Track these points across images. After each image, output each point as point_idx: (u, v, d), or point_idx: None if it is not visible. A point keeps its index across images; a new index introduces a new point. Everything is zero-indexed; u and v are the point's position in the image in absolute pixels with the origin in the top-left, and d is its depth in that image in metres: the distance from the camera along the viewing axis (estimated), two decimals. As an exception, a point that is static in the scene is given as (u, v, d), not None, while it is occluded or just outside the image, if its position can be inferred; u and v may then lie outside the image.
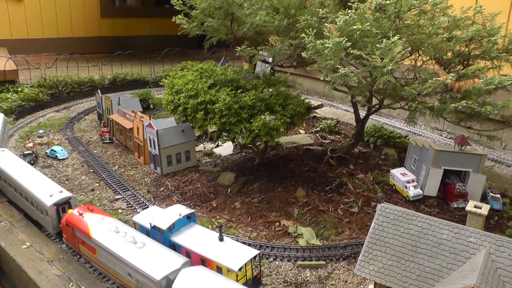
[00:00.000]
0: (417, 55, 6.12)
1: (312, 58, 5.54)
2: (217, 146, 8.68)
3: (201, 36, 21.62)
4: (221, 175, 7.24)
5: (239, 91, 6.46)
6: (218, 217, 6.24)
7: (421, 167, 6.96)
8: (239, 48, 6.02)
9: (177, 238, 4.78)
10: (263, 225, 6.11)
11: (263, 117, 6.10)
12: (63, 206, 5.68)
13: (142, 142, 7.87)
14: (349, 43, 4.87)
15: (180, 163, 7.60)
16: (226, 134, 6.36)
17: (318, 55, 5.24)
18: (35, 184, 6.06)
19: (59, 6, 18.13)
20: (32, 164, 7.82)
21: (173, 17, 6.76)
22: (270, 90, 7.14)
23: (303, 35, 5.32)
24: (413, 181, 6.81)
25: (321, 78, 5.45)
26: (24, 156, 7.91)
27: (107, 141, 9.08)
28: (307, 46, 5.22)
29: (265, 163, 7.60)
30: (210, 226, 5.94)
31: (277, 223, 6.13)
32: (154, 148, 7.42)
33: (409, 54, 6.02)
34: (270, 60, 7.87)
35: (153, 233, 4.91)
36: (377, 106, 7.01)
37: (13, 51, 15.62)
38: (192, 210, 5.01)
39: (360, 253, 4.19)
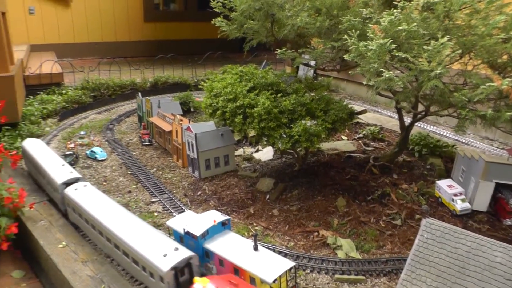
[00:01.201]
0: (468, 58, 5.76)
1: (354, 61, 5.29)
2: (257, 150, 8.51)
3: (242, 39, 21.64)
4: (260, 180, 7.05)
5: (279, 95, 6.27)
6: (255, 224, 6.05)
7: (470, 179, 6.53)
8: (279, 50, 5.82)
9: (210, 245, 4.61)
10: (301, 234, 5.87)
11: (303, 122, 5.89)
12: (182, 269, 4.33)
13: (181, 145, 7.79)
14: (394, 45, 4.58)
15: (218, 167, 7.47)
16: (266, 139, 6.17)
17: (361, 58, 4.98)
18: (139, 236, 4.67)
19: (103, 11, 18.52)
20: (72, 165, 7.89)
21: (213, 19, 6.63)
22: (312, 94, 6.93)
23: (345, 36, 5.07)
24: (460, 194, 6.40)
25: (364, 83, 5.18)
26: (65, 157, 7.98)
27: (147, 144, 9.07)
28: (350, 48, 4.97)
29: (306, 169, 7.36)
30: (246, 234, 5.76)
31: (316, 233, 5.87)
32: (193, 151, 7.32)
33: (458, 57, 5.65)
34: (312, 63, 7.63)
35: (187, 238, 4.76)
36: (423, 113, 6.66)
37: (60, 55, 16.01)
38: (228, 217, 4.84)
39: (402, 270, 3.88)
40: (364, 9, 5.19)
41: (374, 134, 9.20)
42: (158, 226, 5.94)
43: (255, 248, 4.47)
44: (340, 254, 5.47)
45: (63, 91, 11.52)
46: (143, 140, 9.12)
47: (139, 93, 10.16)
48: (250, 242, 4.59)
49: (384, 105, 12.16)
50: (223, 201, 6.63)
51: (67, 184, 5.90)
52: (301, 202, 6.54)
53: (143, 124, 9.67)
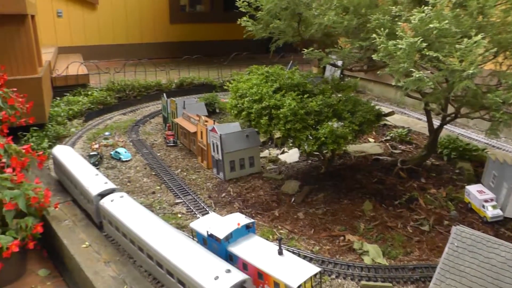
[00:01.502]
0: (503, 57, 5.53)
1: (383, 61, 5.14)
2: (283, 152, 8.40)
3: (268, 40, 21.53)
4: (285, 183, 6.93)
5: (306, 96, 6.15)
6: (279, 227, 5.93)
7: (502, 185, 6.27)
8: (306, 50, 5.70)
9: (234, 249, 4.51)
10: (326, 238, 5.73)
11: (330, 124, 5.75)
12: None
13: (206, 146, 7.73)
14: (425, 44, 4.41)
15: (243, 169, 7.37)
16: (291, 141, 6.06)
17: (390, 57, 4.82)
18: (184, 254, 4.36)
19: (129, 13, 18.65)
20: (96, 165, 7.91)
21: (238, 19, 6.55)
22: (339, 95, 6.79)
23: (374, 35, 4.92)
24: (491, 200, 6.14)
25: (393, 83, 5.01)
26: (89, 157, 8.01)
27: (171, 144, 9.05)
28: (378, 47, 4.82)
29: (332, 172, 7.21)
30: (270, 237, 5.65)
31: (342, 238, 5.72)
32: (217, 153, 7.25)
33: (492, 57, 5.43)
34: (339, 63, 7.49)
35: (210, 241, 4.68)
36: (453, 115, 6.45)
37: (87, 57, 16.16)
38: (252, 220, 4.73)
39: (430, 278, 3.72)
40: (393, 7, 5.02)
41: (401, 136, 8.99)
42: (181, 227, 5.88)
43: (280, 253, 4.35)
44: (367, 260, 5.31)
45: (89, 92, 11.61)
46: (167, 141, 9.10)
47: (164, 94, 10.16)
48: (274, 246, 4.48)
49: (412, 107, 11.89)
50: (247, 203, 6.53)
51: (102, 195, 5.66)
52: (327, 205, 6.40)
53: (168, 125, 9.65)
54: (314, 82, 7.37)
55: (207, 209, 6.34)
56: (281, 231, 5.84)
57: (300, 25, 6.15)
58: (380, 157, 7.75)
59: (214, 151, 7.38)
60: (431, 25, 4.38)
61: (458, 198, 6.62)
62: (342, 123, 6.04)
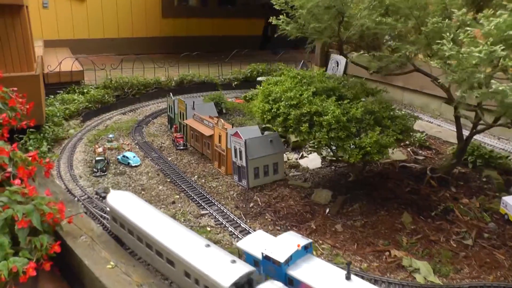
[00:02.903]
0: None
1: (442, 67, 4.81)
2: (302, 157, 8.00)
3: (263, 37, 21.25)
4: (316, 192, 6.53)
5: (346, 101, 5.76)
6: (320, 241, 5.53)
7: (536, 195, 6.08)
8: (355, 53, 5.30)
9: (295, 272, 4.09)
10: (372, 254, 5.37)
11: (375, 133, 5.38)
12: None
13: (225, 151, 7.26)
14: (504, 52, 4.07)
15: (267, 176, 6.94)
16: (334, 149, 5.65)
17: (458, 66, 4.48)
18: None
19: (120, 6, 17.87)
20: (104, 172, 7.36)
21: (270, 17, 6.10)
22: (370, 99, 6.44)
23: (438, 43, 4.56)
24: (531, 212, 5.94)
25: (458, 94, 4.65)
26: (96, 163, 7.45)
27: (181, 148, 8.52)
28: (446, 54, 4.45)
29: (361, 180, 6.86)
30: (314, 253, 5.25)
31: (387, 253, 5.36)
32: (240, 159, 6.80)
33: None
34: (342, 62, 7.12)
35: (265, 263, 4.25)
36: (490, 124, 6.15)
37: (75, 51, 15.38)
38: (310, 240, 4.32)
39: None
40: (456, 10, 4.66)
41: (420, 141, 8.71)
42: (215, 242, 5.40)
43: (348, 277, 3.97)
44: (419, 279, 4.97)
45: (84, 90, 10.95)
46: (177, 144, 8.58)
47: (170, 93, 9.62)
48: (338, 269, 4.10)
49: (420, 109, 11.65)
50: (279, 214, 6.11)
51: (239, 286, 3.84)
52: (364, 217, 6.04)
53: (175, 126, 9.13)
54: (346, 85, 7.05)
55: (237, 221, 5.90)
56: (323, 246, 5.45)
57: (341, 25, 5.74)
58: (408, 165, 7.44)
59: (236, 157, 6.93)
60: (510, 32, 4.03)
61: (492, 208, 6.37)
62: (384, 132, 5.67)
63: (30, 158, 5.61)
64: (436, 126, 10.12)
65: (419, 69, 6.17)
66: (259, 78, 12.29)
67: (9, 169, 5.30)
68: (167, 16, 18.94)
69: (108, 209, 5.34)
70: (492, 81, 3.98)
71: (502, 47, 3.97)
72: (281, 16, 5.97)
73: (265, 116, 6.08)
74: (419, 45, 5.26)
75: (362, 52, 5.38)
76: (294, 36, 6.11)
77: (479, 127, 6.49)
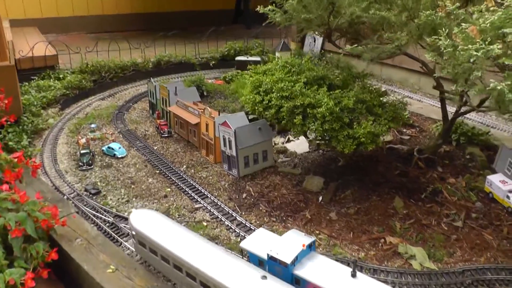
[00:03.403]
0: None
1: (436, 60, 4.85)
2: (289, 140, 8.00)
3: (236, 11, 20.83)
4: (307, 179, 6.58)
5: (337, 91, 5.75)
6: (317, 231, 5.61)
7: (520, 172, 6.28)
8: (348, 47, 5.27)
9: (301, 272, 4.15)
10: (368, 242, 5.48)
11: (370, 124, 5.41)
12: None
13: (213, 140, 7.20)
14: (501, 51, 4.09)
15: (257, 163, 6.94)
16: (327, 140, 5.66)
17: (453, 60, 4.50)
18: None
19: (89, -17, 17.21)
20: (90, 165, 7.22)
21: (258, 7, 5.98)
22: (359, 86, 6.45)
23: (433, 37, 4.57)
24: (516, 190, 6.14)
25: (459, 88, 4.68)
26: (81, 156, 7.29)
27: (166, 135, 8.41)
28: (441, 50, 4.46)
29: (351, 164, 6.93)
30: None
31: (383, 240, 5.49)
32: (230, 148, 6.76)
33: None
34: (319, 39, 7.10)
35: (270, 263, 4.29)
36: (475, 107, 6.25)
37: (44, 30, 14.83)
38: (314, 238, 4.38)
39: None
40: (449, 3, 4.66)
41: (404, 120, 8.78)
42: (212, 239, 5.43)
43: (353, 275, 4.05)
44: (415, 265, 5.12)
45: (60, 75, 10.60)
46: (161, 131, 8.46)
47: (151, 78, 9.41)
48: (343, 267, 4.18)
49: (399, 83, 11.74)
50: (273, 205, 6.15)
51: None
52: (356, 203, 6.14)
53: (157, 112, 8.98)
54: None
55: (233, 214, 5.91)
56: (320, 236, 5.53)
57: (331, 15, 5.68)
58: (395, 146, 7.53)
59: (225, 146, 6.89)
60: (505, 30, 4.06)
61: (478, 187, 6.57)
62: (376, 120, 5.71)
63: (16, 160, 5.44)
64: (417, 101, 10.24)
65: (408, 53, 6.19)
66: (237, 58, 12.14)
67: (-5, 173, 5.14)
68: (138, -9, 18.33)
69: (133, 232, 4.76)
70: (491, 80, 4.02)
71: (498, 46, 4.00)
72: (269, 6, 5.86)
73: (256, 108, 6.03)
74: (411, 35, 5.24)
75: (356, 45, 5.32)
76: (283, 25, 6.01)
77: (464, 109, 6.59)
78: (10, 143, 7.45)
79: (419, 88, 11.10)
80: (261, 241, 4.51)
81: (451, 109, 7.14)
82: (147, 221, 4.65)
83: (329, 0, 5.35)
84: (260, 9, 5.93)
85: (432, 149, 7.12)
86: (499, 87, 3.87)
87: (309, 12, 5.55)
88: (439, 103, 7.11)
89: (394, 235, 5.58)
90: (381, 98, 6.05)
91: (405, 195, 6.28)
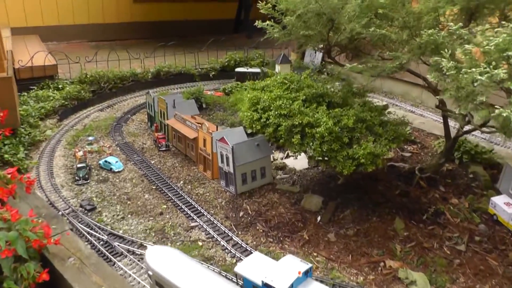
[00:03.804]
0: None
1: (439, 82, 4.73)
2: (287, 156, 7.88)
3: (236, 20, 20.74)
4: (305, 198, 6.46)
5: (336, 109, 5.63)
6: (315, 254, 5.47)
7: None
8: (348, 65, 5.15)
9: (297, 301, 4.05)
10: (367, 265, 5.35)
11: (370, 144, 5.28)
12: None
13: (210, 155, 7.09)
14: (506, 75, 3.97)
15: (255, 180, 6.83)
16: (326, 160, 5.53)
17: (456, 83, 4.38)
18: None
19: (90, -9, 17.16)
20: (86, 179, 7.10)
21: (256, 21, 5.88)
22: (359, 102, 6.33)
23: (436, 58, 4.46)
24: (522, 213, 5.99)
25: (457, 111, 4.58)
26: (77, 170, 7.18)
27: (164, 149, 8.30)
28: (445, 72, 4.34)
29: (350, 183, 6.80)
30: (309, 267, 5.20)
31: (382, 264, 5.36)
32: (227, 165, 6.65)
33: None
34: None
35: (265, 290, 4.17)
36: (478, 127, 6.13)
37: (45, 38, 14.82)
38: (310, 265, 4.25)
39: None
40: (452, 23, 4.54)
41: (406, 136, 8.65)
42: (207, 259, 5.30)
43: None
44: (416, 292, 5.01)
45: (59, 86, 10.51)
46: (159, 144, 8.35)
47: (149, 91, 9.33)
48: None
49: (401, 96, 11.63)
50: (271, 224, 6.02)
51: None
52: (356, 224, 6.00)
53: (155, 125, 8.88)
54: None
55: (229, 233, 5.79)
56: (318, 258, 5.40)
57: (330, 31, 5.57)
58: (395, 164, 7.39)
59: (222, 162, 6.78)
60: (510, 53, 3.93)
61: (481, 208, 6.42)
62: (376, 140, 5.58)
63: (9, 176, 5.32)
64: (419, 116, 10.10)
65: (410, 69, 6.07)
66: (237, 69, 12.04)
67: (-12, 190, 5.03)
68: (139, 1, 18.24)
69: (149, 272, 4.40)
70: (496, 106, 3.90)
71: (504, 71, 3.88)
72: (267, 22, 5.75)
73: (254, 125, 5.92)
74: (412, 53, 5.13)
75: (355, 64, 5.20)
76: (281, 41, 5.90)
77: (467, 127, 6.46)
78: (6, 155, 7.35)
79: (421, 102, 10.97)
80: (256, 266, 4.39)
81: (454, 124, 7.00)
82: (165, 260, 4.29)
83: (328, 16, 5.22)
84: (258, 23, 5.83)
85: (434, 168, 6.98)
86: (504, 114, 3.75)
87: (309, 28, 5.44)
88: (442, 118, 6.98)
89: (394, 258, 5.44)
90: (381, 117, 5.91)
91: (406, 216, 6.15)
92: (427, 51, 5.02)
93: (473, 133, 8.99)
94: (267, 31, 5.89)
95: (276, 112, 5.65)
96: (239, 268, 4.48)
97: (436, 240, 5.77)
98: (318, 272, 5.15)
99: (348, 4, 5.23)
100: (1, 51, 8.01)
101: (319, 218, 6.11)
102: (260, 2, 5.69)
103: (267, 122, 5.72)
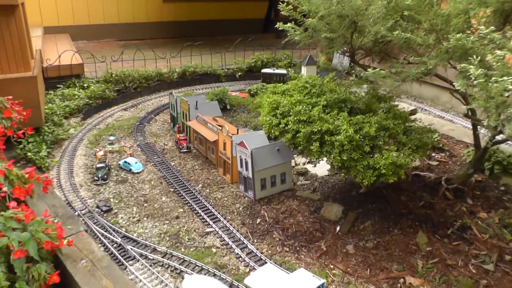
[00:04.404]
0: None
1: (466, 90, 4.46)
2: (310, 161, 7.65)
3: (266, 19, 20.61)
4: (325, 206, 6.25)
5: (358, 116, 5.41)
6: (331, 266, 5.25)
7: None
8: (370, 71, 4.92)
9: (307, 318, 3.87)
10: (386, 281, 5.09)
11: (392, 154, 5.04)
12: None
13: (230, 159, 6.96)
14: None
15: (274, 186, 6.65)
16: (346, 169, 5.32)
17: (485, 92, 4.11)
18: None
19: (120, -9, 17.36)
20: (105, 180, 7.07)
21: (277, 23, 5.71)
22: (382, 109, 6.07)
23: (463, 64, 4.19)
24: (559, 231, 5.64)
25: (485, 123, 4.31)
26: (97, 170, 7.16)
27: (185, 150, 8.22)
28: (473, 80, 4.07)
29: (372, 192, 6.55)
30: (325, 280, 4.99)
31: (402, 280, 5.09)
32: (246, 169, 6.50)
33: None
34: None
35: (274, 306, 4.01)
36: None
37: (75, 37, 15.01)
38: (323, 281, 4.07)
39: None
40: (483, 27, 4.27)
41: (433, 143, 8.32)
42: (220, 267, 5.15)
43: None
44: (437, 312, 4.75)
45: (85, 84, 10.58)
46: (180, 146, 8.26)
47: (172, 92, 9.26)
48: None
49: (430, 101, 11.24)
50: (288, 233, 5.84)
51: None
52: (376, 236, 5.76)
53: (178, 126, 8.81)
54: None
55: (244, 241, 5.63)
56: (334, 271, 5.18)
57: (354, 34, 5.35)
58: (421, 173, 7.10)
59: (241, 167, 6.63)
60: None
61: (513, 224, 6.10)
62: (398, 149, 5.33)
63: (27, 175, 5.31)
64: (448, 122, 9.72)
65: (438, 74, 5.80)
66: (263, 70, 11.88)
67: (4, 189, 5.01)
68: (169, 0, 18.30)
69: None
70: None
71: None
72: (289, 24, 5.58)
73: (272, 131, 5.75)
74: (440, 58, 4.87)
75: (378, 69, 4.97)
76: (302, 44, 5.72)
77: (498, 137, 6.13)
78: (29, 154, 7.40)
79: (451, 107, 10.57)
80: (267, 279, 4.23)
81: (486, 131, 6.67)
82: None
83: (351, 18, 5.00)
84: (279, 25, 5.66)
85: (462, 179, 6.65)
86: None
87: (331, 30, 5.24)
88: (472, 126, 6.66)
89: (415, 275, 5.17)
90: (406, 124, 5.65)
91: (430, 230, 5.86)
92: (455, 56, 4.76)
93: (506, 142, 8.65)
94: (288, 33, 5.72)
95: (295, 118, 5.47)
96: (250, 281, 4.33)
97: (461, 257, 5.46)
98: (333, 286, 4.94)
99: (372, 5, 5.02)
100: (28, 53, 8.07)
101: (338, 228, 5.89)
102: (280, 3, 5.52)
103: (286, 128, 5.54)
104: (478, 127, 6.45)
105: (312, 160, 5.57)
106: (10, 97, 6.12)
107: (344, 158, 5.02)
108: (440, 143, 8.48)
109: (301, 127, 5.35)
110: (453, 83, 5.58)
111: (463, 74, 4.57)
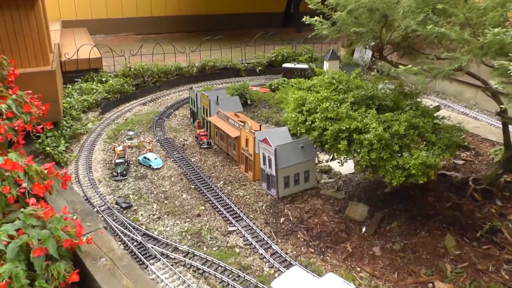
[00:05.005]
0: None
1: (504, 89, 4.26)
2: (333, 158, 7.49)
3: (286, 13, 20.35)
4: (350, 205, 6.08)
5: (387, 113, 5.22)
6: (358, 269, 5.09)
7: None
8: (402, 67, 4.73)
9: (337, 325, 3.72)
10: (414, 286, 4.88)
11: (422, 153, 4.85)
12: None
13: (252, 156, 6.81)
14: None
15: (298, 184, 6.49)
16: (374, 168, 5.14)
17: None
18: None
19: (139, -15, 17.27)
20: (124, 176, 6.98)
21: (304, 17, 5.54)
22: (410, 106, 5.87)
23: (501, 61, 3.99)
24: None
25: None
26: (115, 166, 7.07)
27: (205, 146, 8.09)
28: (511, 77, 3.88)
29: (398, 192, 6.36)
30: (352, 283, 4.84)
31: (431, 285, 4.92)
32: (269, 167, 6.35)
33: None
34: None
35: (303, 311, 3.86)
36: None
37: (93, 31, 14.95)
38: (353, 287, 3.91)
39: None
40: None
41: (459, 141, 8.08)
42: (243, 268, 5.02)
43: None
44: (468, 321, 4.56)
45: (103, 78, 10.50)
46: (201, 142, 8.13)
47: (193, 86, 9.13)
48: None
49: (453, 97, 10.96)
50: (312, 233, 5.68)
51: None
52: (403, 238, 5.57)
53: (198, 121, 8.69)
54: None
55: (268, 241, 5.49)
56: (361, 274, 5.02)
57: (384, 28, 5.16)
58: (447, 173, 6.87)
59: (264, 164, 6.48)
60: None
61: (546, 228, 5.87)
62: (428, 148, 5.14)
63: (46, 171, 5.22)
64: (473, 119, 9.44)
65: (468, 71, 5.58)
66: (284, 65, 11.69)
67: (24, 185, 4.93)
68: (186, -7, 18.22)
69: None
70: None
71: None
72: (316, 17, 5.40)
73: (298, 128, 5.58)
74: (473, 54, 4.66)
75: (409, 65, 4.77)
76: (330, 38, 5.54)
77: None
78: (48, 148, 7.33)
79: (476, 104, 10.28)
80: (295, 283, 4.08)
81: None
82: None
83: (382, 12, 4.81)
84: (306, 19, 5.49)
85: (491, 179, 6.41)
86: None
87: (360, 25, 5.05)
88: (498, 122, 6.43)
89: (444, 280, 4.98)
90: (434, 122, 5.45)
91: (458, 232, 5.65)
92: (491, 52, 4.55)
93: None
94: (316, 28, 5.54)
95: (323, 115, 5.30)
96: (277, 284, 4.19)
97: (492, 262, 5.25)
98: (361, 289, 4.79)
99: (404, -1, 4.82)
100: (47, 47, 7.99)
101: (364, 229, 5.72)
102: (307, -4, 5.36)
103: (313, 125, 5.37)
104: (510, 126, 6.25)
105: (339, 159, 5.40)
106: (30, 91, 6.05)
107: (372, 158, 4.85)
108: (466, 141, 8.23)
109: (329, 124, 5.18)
110: (485, 81, 5.40)
111: (499, 71, 4.38)
